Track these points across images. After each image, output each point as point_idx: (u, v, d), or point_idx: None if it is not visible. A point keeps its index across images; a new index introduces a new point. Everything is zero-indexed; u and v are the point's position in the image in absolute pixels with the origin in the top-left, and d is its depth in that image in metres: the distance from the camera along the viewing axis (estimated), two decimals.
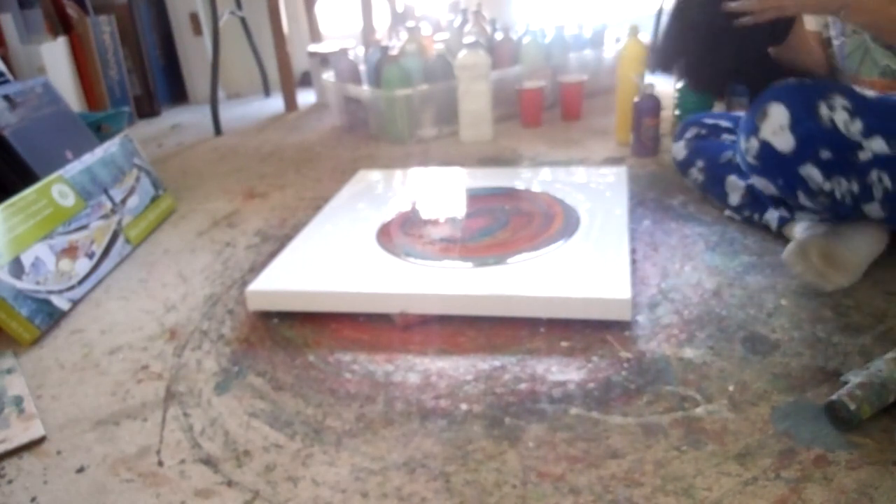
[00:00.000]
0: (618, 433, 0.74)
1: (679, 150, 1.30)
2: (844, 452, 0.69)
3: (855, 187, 0.90)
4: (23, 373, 0.96)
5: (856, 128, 0.86)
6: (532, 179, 1.40)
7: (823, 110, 0.87)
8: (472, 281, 1.00)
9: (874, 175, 0.88)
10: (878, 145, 0.86)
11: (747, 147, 0.94)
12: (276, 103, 2.54)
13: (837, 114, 0.86)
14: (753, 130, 0.92)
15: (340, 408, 0.83)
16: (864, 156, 0.87)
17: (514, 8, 2.74)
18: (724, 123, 1.26)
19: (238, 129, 2.24)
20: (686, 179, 1.32)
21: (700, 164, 1.26)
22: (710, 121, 1.28)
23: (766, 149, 0.91)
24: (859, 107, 0.87)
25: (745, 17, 0.91)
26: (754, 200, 1.17)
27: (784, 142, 0.89)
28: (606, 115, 1.94)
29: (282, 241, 1.29)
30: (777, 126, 0.89)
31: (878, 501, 0.63)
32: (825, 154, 0.88)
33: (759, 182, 0.98)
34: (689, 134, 1.29)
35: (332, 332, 0.99)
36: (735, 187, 1.19)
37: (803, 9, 0.94)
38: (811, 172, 0.90)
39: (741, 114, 1.27)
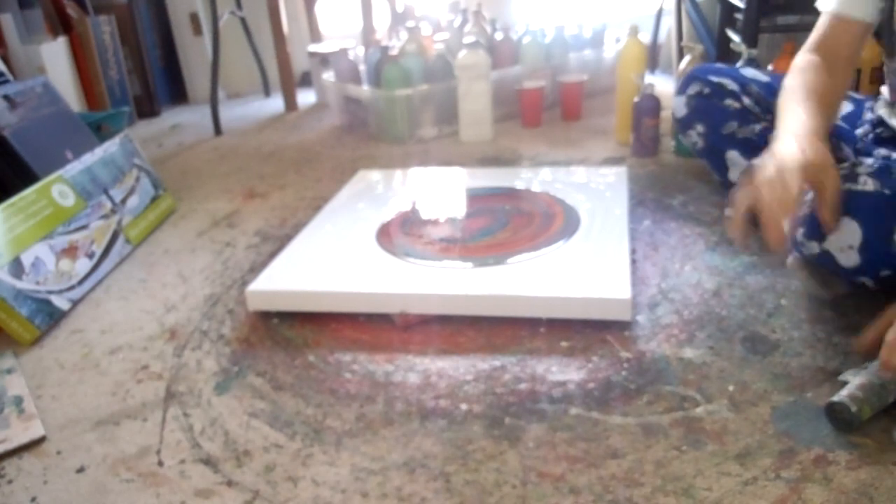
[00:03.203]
0: (618, 433, 0.74)
1: (679, 106, 1.23)
2: (844, 452, 0.69)
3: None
4: (23, 373, 0.96)
5: None
6: (532, 179, 1.40)
7: None
8: (472, 281, 1.00)
9: None
10: None
11: (806, 244, 0.88)
12: (276, 103, 2.54)
13: None
14: (817, 236, 0.86)
15: (340, 408, 0.83)
16: None
17: (514, 8, 2.74)
18: (731, 86, 1.17)
19: (238, 129, 2.24)
20: (684, 139, 1.27)
21: (700, 128, 1.20)
22: (715, 79, 1.19)
23: (827, 258, 0.86)
24: None
25: None
26: None
27: (848, 259, 0.84)
28: (606, 115, 1.94)
29: (282, 241, 1.29)
30: (846, 245, 0.83)
31: (878, 501, 0.63)
32: (885, 272, 0.85)
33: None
34: (692, 90, 1.21)
35: (332, 332, 0.99)
36: (736, 164, 1.16)
37: None
38: (866, 281, 0.87)
39: (749, 73, 1.19)
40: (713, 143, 1.19)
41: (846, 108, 1.11)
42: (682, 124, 1.25)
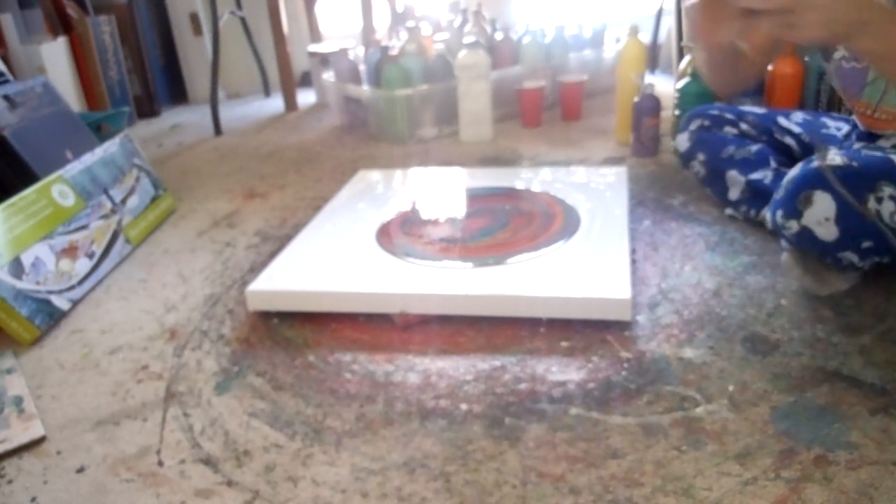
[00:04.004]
0: (618, 433, 0.74)
1: (682, 141, 1.29)
2: (844, 452, 0.69)
3: (886, 260, 0.90)
4: (23, 373, 0.96)
5: None
6: (532, 179, 1.40)
7: (871, 203, 0.84)
8: (472, 281, 1.00)
9: None
10: None
11: (785, 225, 0.90)
12: (276, 103, 2.54)
13: (884, 205, 0.83)
14: (794, 214, 0.88)
15: (340, 408, 0.83)
16: None
17: (514, 8, 2.74)
18: (728, 115, 1.24)
19: (238, 129, 2.24)
20: (687, 171, 1.31)
21: (701, 157, 1.25)
22: (714, 112, 1.26)
23: (807, 234, 0.88)
24: None
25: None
26: (753, 197, 1.16)
27: (827, 232, 0.87)
28: (606, 115, 1.94)
29: (282, 241, 1.29)
30: (822, 217, 0.86)
31: (878, 501, 0.63)
32: (866, 244, 0.87)
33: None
34: (693, 126, 1.27)
35: (332, 332, 0.99)
36: (735, 182, 1.19)
37: (804, 37, 0.73)
38: (849, 256, 0.89)
39: (746, 108, 1.26)
40: (713, 166, 1.23)
41: (844, 128, 1.16)
42: (685, 158, 1.29)
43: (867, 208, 0.84)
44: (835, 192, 0.85)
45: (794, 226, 0.89)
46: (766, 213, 1.12)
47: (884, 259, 0.89)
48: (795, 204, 0.88)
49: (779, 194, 0.91)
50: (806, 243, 0.90)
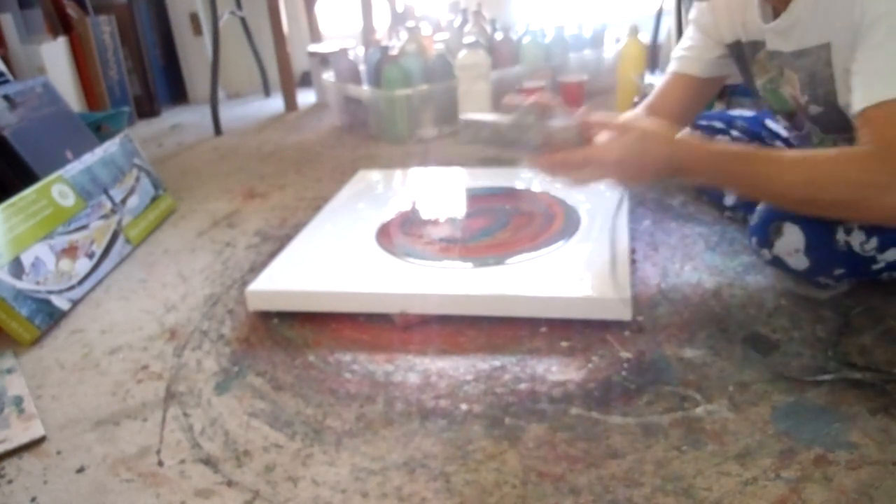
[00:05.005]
0: (618, 433, 0.74)
1: None
2: (844, 452, 0.69)
3: (865, 279, 0.91)
4: (23, 373, 0.96)
5: (871, 245, 0.85)
6: (532, 179, 1.40)
7: (840, 235, 0.85)
8: (472, 281, 1.00)
9: (885, 275, 0.89)
10: (893, 255, 0.85)
11: (759, 252, 0.93)
12: (276, 103, 2.54)
13: (854, 236, 0.84)
14: (766, 243, 0.91)
15: (340, 408, 0.83)
16: (877, 266, 0.87)
17: (514, 8, 2.74)
18: (718, 124, 1.25)
19: (238, 129, 2.24)
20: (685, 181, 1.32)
21: None
22: (703, 122, 1.26)
23: (779, 262, 0.91)
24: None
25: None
26: (748, 202, 1.17)
27: (798, 262, 0.89)
28: None
29: (282, 241, 1.29)
30: (792, 248, 0.88)
31: (878, 501, 0.63)
32: (839, 271, 0.88)
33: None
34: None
35: (332, 332, 0.99)
36: None
37: (631, 181, 0.87)
38: (824, 280, 0.91)
39: (735, 112, 1.26)
40: None
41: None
42: None
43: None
44: (804, 223, 0.86)
45: (766, 254, 0.91)
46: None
47: (861, 279, 0.91)
48: (767, 233, 0.90)
49: (754, 220, 0.92)
50: (780, 269, 0.92)
